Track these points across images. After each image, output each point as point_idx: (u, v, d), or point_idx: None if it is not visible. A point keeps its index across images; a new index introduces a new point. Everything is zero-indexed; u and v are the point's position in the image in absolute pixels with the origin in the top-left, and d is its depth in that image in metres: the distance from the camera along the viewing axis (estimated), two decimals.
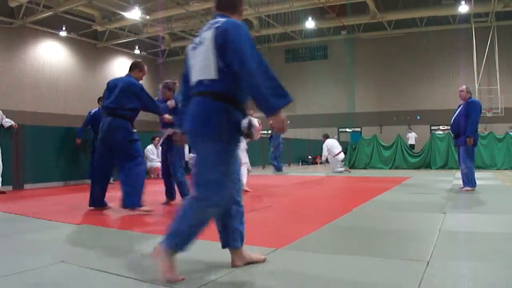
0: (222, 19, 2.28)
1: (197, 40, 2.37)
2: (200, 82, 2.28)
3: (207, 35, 2.27)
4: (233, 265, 2.41)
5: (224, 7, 2.41)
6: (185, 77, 2.48)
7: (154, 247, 2.22)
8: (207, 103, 2.24)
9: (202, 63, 2.27)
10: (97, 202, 4.80)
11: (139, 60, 5.09)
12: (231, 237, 2.40)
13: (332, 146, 12.19)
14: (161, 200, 5.41)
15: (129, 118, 4.62)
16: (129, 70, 4.78)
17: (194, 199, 2.23)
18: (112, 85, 4.65)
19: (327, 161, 12.61)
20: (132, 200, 4.42)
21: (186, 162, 6.41)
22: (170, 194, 5.35)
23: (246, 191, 6.37)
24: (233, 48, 2.15)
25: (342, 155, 12.42)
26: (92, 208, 4.79)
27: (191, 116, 2.28)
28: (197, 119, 2.25)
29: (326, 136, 12.75)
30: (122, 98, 4.52)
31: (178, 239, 2.22)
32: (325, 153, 12.25)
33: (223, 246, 2.44)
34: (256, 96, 2.15)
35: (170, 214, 4.63)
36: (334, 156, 12.13)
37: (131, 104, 4.56)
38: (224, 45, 2.17)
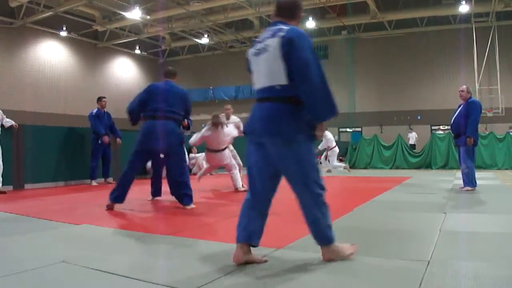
0: (285, 27, 2.39)
1: (259, 46, 2.46)
2: (271, 88, 2.38)
3: (271, 42, 2.36)
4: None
5: (284, 14, 2.52)
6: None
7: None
8: (284, 109, 2.35)
9: (269, 70, 2.37)
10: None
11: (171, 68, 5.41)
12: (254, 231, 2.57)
13: (330, 138, 11.97)
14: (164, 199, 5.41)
15: (180, 122, 5.04)
16: (172, 77, 5.11)
17: (316, 196, 2.46)
18: (164, 91, 4.88)
19: (324, 156, 12.19)
20: (188, 200, 4.92)
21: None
22: (157, 192, 5.69)
23: (245, 190, 6.39)
24: (296, 56, 2.28)
25: (337, 149, 12.10)
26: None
27: (263, 120, 2.38)
28: (279, 126, 2.34)
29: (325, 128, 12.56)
30: (180, 105, 4.95)
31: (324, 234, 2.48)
32: (323, 144, 11.93)
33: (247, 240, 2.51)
34: (310, 103, 2.32)
35: (168, 213, 4.64)
36: (331, 149, 11.88)
37: (182, 111, 5.01)
38: (289, 52, 2.29)
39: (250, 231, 2.47)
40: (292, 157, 2.37)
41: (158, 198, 5.65)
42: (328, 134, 12.08)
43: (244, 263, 2.43)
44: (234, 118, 7.49)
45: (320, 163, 11.00)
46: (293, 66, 2.29)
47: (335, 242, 2.48)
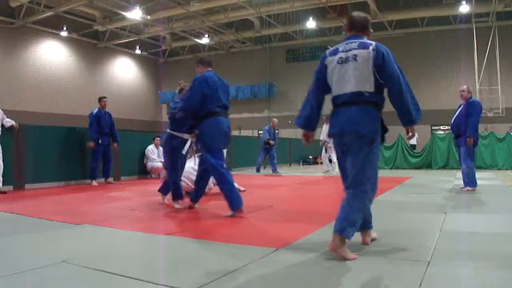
0: (370, 41, 2.77)
1: (343, 55, 2.75)
2: (359, 93, 2.68)
3: (361, 53, 2.69)
4: (365, 242, 2.89)
5: (359, 28, 2.89)
6: (321, 85, 2.90)
7: (332, 239, 2.56)
8: (370, 111, 2.69)
9: (359, 77, 2.68)
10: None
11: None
12: (367, 220, 2.89)
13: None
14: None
15: None
16: (211, 66, 4.58)
17: (358, 192, 2.65)
18: (221, 85, 4.43)
19: (324, 149, 11.80)
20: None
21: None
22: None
23: (243, 190, 6.50)
24: (388, 69, 2.66)
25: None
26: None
27: (351, 121, 2.68)
28: (359, 125, 2.66)
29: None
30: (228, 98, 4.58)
31: (348, 227, 2.56)
32: (324, 136, 11.45)
33: (362, 229, 2.87)
34: (402, 109, 2.72)
35: (169, 213, 4.64)
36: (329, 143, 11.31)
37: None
38: (382, 65, 2.65)
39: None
40: (363, 151, 2.67)
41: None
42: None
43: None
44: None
45: (321, 163, 10.91)
46: (384, 77, 2.67)
47: (348, 239, 2.58)
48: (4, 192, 6.45)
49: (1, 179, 6.49)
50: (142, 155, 10.02)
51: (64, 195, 6.51)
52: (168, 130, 5.16)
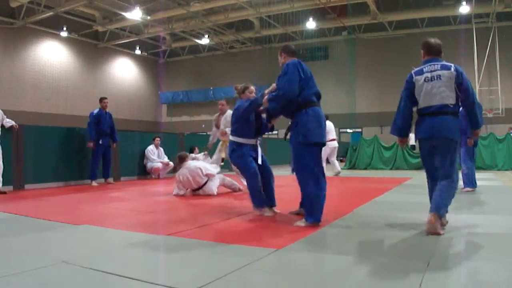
0: (448, 63, 3.51)
1: (428, 75, 3.48)
2: (444, 105, 3.40)
3: (444, 74, 3.41)
4: (442, 224, 3.40)
5: (437, 53, 3.61)
6: (411, 99, 3.60)
7: (430, 216, 3.26)
8: (455, 120, 3.43)
9: (444, 93, 3.40)
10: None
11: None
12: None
13: (330, 128, 10.53)
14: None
15: None
16: (295, 55, 4.07)
17: (450, 182, 3.42)
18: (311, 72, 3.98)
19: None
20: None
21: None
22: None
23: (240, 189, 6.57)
24: (465, 85, 3.42)
25: (335, 143, 10.84)
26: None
27: (442, 128, 3.40)
28: (449, 132, 3.40)
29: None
30: None
31: (443, 207, 3.38)
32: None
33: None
34: (472, 116, 3.53)
35: (169, 213, 4.63)
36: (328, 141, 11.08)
37: None
38: (461, 83, 3.40)
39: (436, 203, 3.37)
40: (450, 151, 3.43)
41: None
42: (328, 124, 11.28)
43: (433, 228, 3.22)
44: (230, 112, 7.46)
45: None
46: (462, 92, 3.41)
47: (443, 215, 3.40)
48: (4, 193, 6.44)
49: (1, 179, 6.48)
50: (142, 156, 10.02)
51: (64, 195, 6.51)
52: (231, 139, 4.49)
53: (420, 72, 3.54)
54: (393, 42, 23.86)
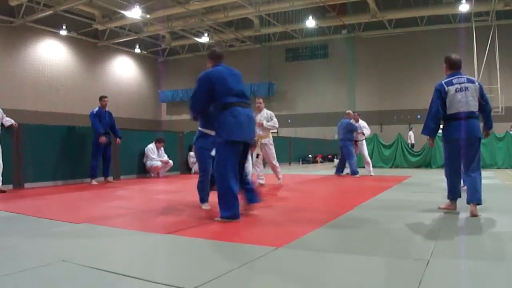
0: (473, 78, 4.36)
1: (458, 86, 4.20)
2: (472, 112, 4.18)
3: (471, 86, 4.20)
4: (474, 215, 4.00)
5: (459, 67, 4.35)
6: (443, 106, 4.26)
7: (471, 206, 4.05)
8: (479, 123, 4.26)
9: (472, 102, 4.17)
10: None
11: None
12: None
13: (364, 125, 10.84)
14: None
15: None
16: (220, 59, 4.28)
17: (479, 174, 4.17)
18: (231, 74, 4.17)
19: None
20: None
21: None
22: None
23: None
24: (485, 96, 4.30)
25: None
26: None
27: (473, 129, 4.17)
28: (477, 132, 4.21)
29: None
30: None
31: (479, 193, 4.07)
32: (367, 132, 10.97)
33: (468, 202, 4.14)
34: (487, 119, 4.46)
35: (169, 213, 4.63)
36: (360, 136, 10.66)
37: None
38: (482, 94, 4.27)
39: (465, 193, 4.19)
40: (477, 148, 4.22)
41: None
42: (362, 123, 11.12)
43: (475, 214, 3.98)
44: (266, 111, 7.62)
45: (321, 162, 10.81)
46: (483, 101, 4.26)
47: (480, 203, 4.05)
48: (4, 191, 6.44)
49: (1, 178, 6.47)
50: (142, 154, 10.01)
51: (63, 194, 6.51)
52: (199, 128, 4.70)
53: (451, 83, 4.25)
54: (392, 40, 23.83)
